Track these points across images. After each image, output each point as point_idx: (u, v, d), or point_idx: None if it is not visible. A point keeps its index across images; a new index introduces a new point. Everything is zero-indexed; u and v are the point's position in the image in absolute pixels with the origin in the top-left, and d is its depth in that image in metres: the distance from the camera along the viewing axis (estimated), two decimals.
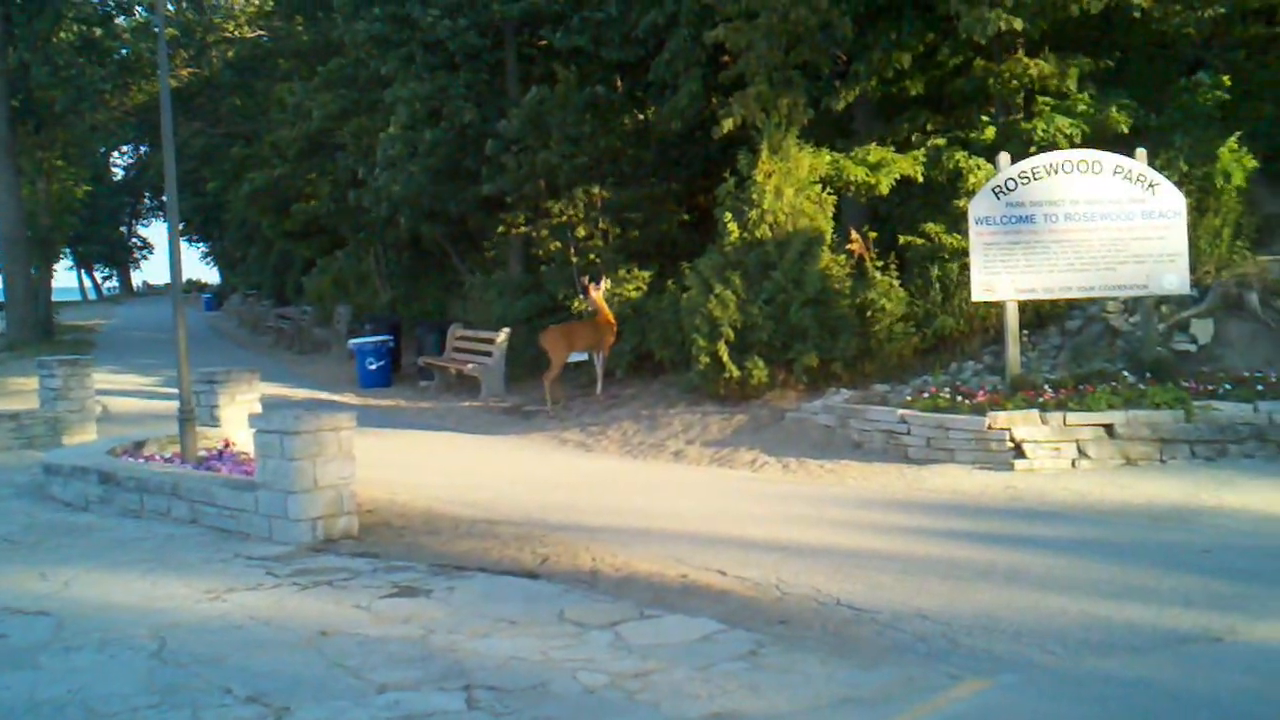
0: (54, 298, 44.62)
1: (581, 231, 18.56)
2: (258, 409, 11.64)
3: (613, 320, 16.48)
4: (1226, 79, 14.11)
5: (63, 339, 32.41)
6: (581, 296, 17.33)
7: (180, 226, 13.00)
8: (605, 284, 16.89)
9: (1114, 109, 13.58)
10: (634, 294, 17.22)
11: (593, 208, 18.79)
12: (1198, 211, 12.94)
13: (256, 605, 6.63)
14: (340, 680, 5.34)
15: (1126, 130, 13.40)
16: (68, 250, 63.73)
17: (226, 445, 11.15)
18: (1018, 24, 12.94)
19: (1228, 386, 10.94)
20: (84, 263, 76.16)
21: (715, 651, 5.68)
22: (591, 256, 18.64)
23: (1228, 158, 13.20)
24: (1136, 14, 14.05)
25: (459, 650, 5.73)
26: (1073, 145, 13.16)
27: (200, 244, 64.86)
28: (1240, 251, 13.15)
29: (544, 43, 20.45)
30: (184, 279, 11.19)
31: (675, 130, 17.17)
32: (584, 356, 17.02)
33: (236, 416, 11.81)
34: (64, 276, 71.73)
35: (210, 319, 45.95)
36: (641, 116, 20.01)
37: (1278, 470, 9.86)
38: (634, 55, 18.55)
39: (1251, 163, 13.35)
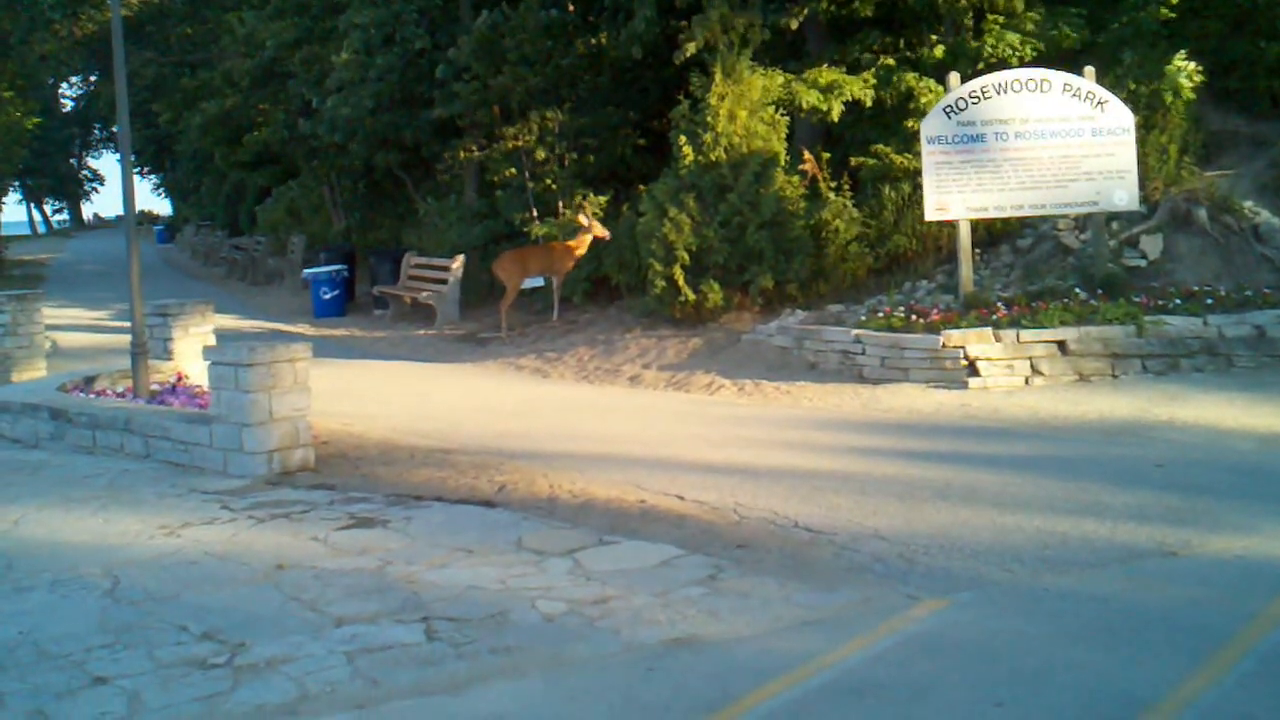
0: (3, 232, 43.80)
1: (536, 153, 18.33)
2: (212, 341, 11.49)
3: (576, 246, 16.10)
4: None
5: (11, 274, 31.81)
6: (583, 222, 16.42)
7: (132, 158, 12.70)
8: (588, 209, 16.63)
9: (1063, 25, 13.50)
10: None
11: (548, 132, 18.55)
12: (1146, 129, 12.93)
13: (212, 540, 6.58)
14: (297, 614, 5.33)
15: (1076, 46, 13.34)
16: (16, 184, 62.47)
17: (180, 379, 11.01)
18: None
19: (1178, 301, 11.04)
20: (33, 196, 74.77)
21: (674, 577, 5.71)
22: (548, 181, 18.42)
23: (1174, 74, 13.17)
24: None
25: (417, 581, 5.73)
26: (1022, 63, 13.10)
27: (152, 175, 63.68)
28: (1188, 168, 13.20)
29: None
30: (136, 211, 10.96)
31: (635, 57, 16.90)
32: (540, 282, 16.89)
33: (190, 349, 11.63)
34: (13, 210, 70.60)
35: (163, 251, 45.24)
36: (594, 41, 19.70)
37: (1228, 383, 9.99)
38: None
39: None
